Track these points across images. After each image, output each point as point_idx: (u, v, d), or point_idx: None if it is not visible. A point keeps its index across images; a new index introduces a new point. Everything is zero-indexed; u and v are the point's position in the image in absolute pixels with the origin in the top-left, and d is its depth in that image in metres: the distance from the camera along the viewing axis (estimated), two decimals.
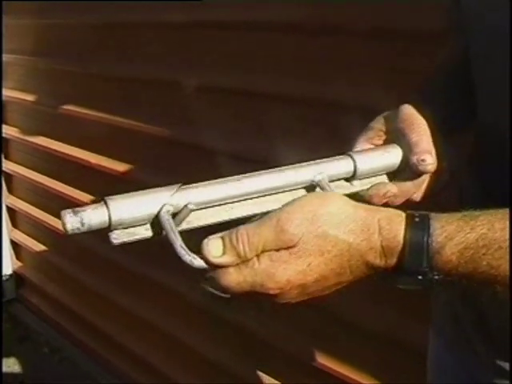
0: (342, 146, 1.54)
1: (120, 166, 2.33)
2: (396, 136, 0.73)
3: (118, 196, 0.60)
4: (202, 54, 1.95)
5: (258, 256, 0.60)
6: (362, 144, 0.76)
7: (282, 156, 1.63)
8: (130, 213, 0.59)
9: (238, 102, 1.85)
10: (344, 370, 1.68)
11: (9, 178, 3.21)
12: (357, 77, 1.50)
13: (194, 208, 0.62)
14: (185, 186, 0.63)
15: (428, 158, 0.69)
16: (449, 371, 0.92)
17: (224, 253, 0.60)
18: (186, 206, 0.62)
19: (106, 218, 0.58)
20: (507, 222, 0.58)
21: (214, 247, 0.60)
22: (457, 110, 0.85)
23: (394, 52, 1.41)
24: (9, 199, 3.24)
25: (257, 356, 1.98)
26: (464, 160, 0.85)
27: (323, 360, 1.74)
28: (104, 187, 2.43)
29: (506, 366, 0.79)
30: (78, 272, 2.74)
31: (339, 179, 0.71)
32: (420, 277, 0.60)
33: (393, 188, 0.71)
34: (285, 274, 0.60)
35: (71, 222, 0.58)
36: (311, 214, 0.61)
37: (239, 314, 1.98)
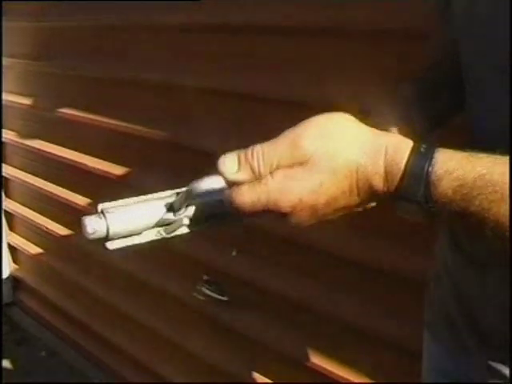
0: None
1: (117, 169, 2.34)
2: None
3: (116, 208, 0.60)
4: (200, 57, 1.95)
5: (271, 173, 0.61)
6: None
7: None
8: (127, 227, 0.60)
9: (236, 105, 1.85)
10: (338, 369, 1.68)
11: (6, 181, 3.21)
12: (357, 78, 1.50)
13: (187, 223, 0.63)
14: (180, 196, 0.63)
15: None
16: (444, 371, 0.92)
17: (239, 169, 0.61)
18: (179, 220, 0.62)
19: (104, 231, 0.59)
20: (507, 168, 0.58)
21: (230, 163, 0.62)
22: (442, 105, 0.86)
23: (394, 53, 1.42)
24: (6, 202, 3.24)
25: (252, 356, 1.99)
26: None
27: (318, 360, 1.74)
28: (101, 190, 2.43)
29: (501, 367, 0.79)
30: (76, 275, 2.74)
31: None
32: (416, 206, 0.60)
33: None
34: (298, 192, 0.60)
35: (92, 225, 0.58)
36: (325, 132, 0.62)
37: (236, 317, 1.98)
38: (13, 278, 3.33)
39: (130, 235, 0.61)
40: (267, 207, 0.61)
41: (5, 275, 3.29)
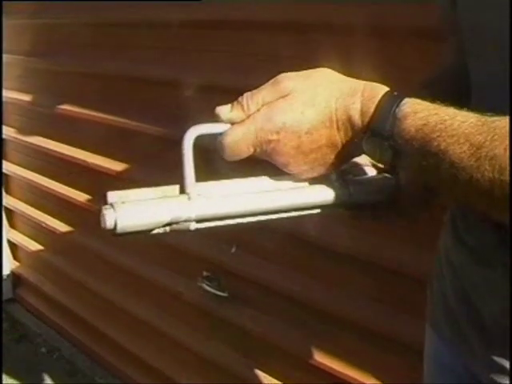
0: None
1: (117, 166, 2.34)
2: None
3: (126, 202, 0.60)
4: (199, 54, 1.95)
5: (258, 109, 0.69)
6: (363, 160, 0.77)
7: None
8: (136, 224, 0.59)
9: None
10: (342, 367, 1.68)
11: (6, 178, 3.21)
12: (358, 75, 1.50)
13: (197, 227, 0.63)
14: (195, 196, 0.62)
15: None
16: (446, 367, 0.92)
17: (231, 110, 0.70)
18: (188, 221, 0.62)
19: (112, 224, 0.58)
20: (470, 119, 0.61)
21: (224, 107, 0.71)
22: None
23: (394, 49, 1.42)
24: (6, 199, 3.24)
25: (254, 354, 1.99)
26: None
27: (321, 358, 1.75)
28: (101, 187, 2.43)
29: (503, 361, 0.79)
30: (76, 272, 2.74)
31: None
32: (382, 141, 0.66)
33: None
34: (281, 118, 0.67)
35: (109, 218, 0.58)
36: (307, 73, 0.71)
37: (236, 313, 1.98)
38: (13, 275, 3.33)
39: (138, 231, 0.61)
40: (256, 137, 0.68)
41: (5, 272, 3.30)
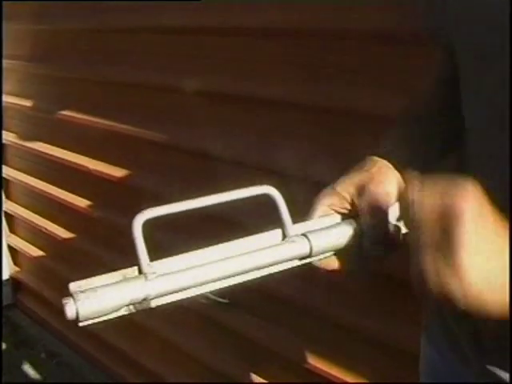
0: (340, 151, 1.55)
1: (118, 172, 2.34)
2: (357, 212, 0.73)
3: (85, 291, 0.62)
4: (199, 59, 1.95)
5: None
6: (322, 208, 0.76)
7: (280, 161, 1.64)
8: (97, 311, 0.62)
9: (236, 107, 1.86)
10: (341, 373, 1.68)
11: (6, 183, 3.22)
12: (355, 80, 1.51)
13: (158, 304, 0.66)
14: (152, 276, 0.64)
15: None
16: (440, 375, 0.92)
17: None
18: (147, 299, 0.65)
19: (74, 315, 0.61)
20: None
21: None
22: (440, 135, 0.86)
23: (393, 55, 1.42)
24: (6, 204, 3.25)
25: (255, 361, 1.99)
26: None
27: (320, 363, 1.74)
28: (102, 193, 2.44)
29: (497, 371, 0.79)
30: (76, 277, 2.72)
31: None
32: None
33: (339, 266, 0.75)
34: None
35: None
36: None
37: (236, 318, 1.98)
38: (13, 280, 3.33)
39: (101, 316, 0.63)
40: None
41: (5, 277, 3.30)
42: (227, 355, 2.07)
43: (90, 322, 0.62)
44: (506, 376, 0.77)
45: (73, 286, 0.62)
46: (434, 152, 0.85)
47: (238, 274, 0.70)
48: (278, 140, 1.69)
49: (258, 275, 0.71)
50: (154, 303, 0.65)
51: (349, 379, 1.65)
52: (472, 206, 0.57)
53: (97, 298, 0.61)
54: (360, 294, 1.62)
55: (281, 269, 0.71)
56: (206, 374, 2.16)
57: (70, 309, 0.60)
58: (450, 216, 0.57)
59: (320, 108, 1.62)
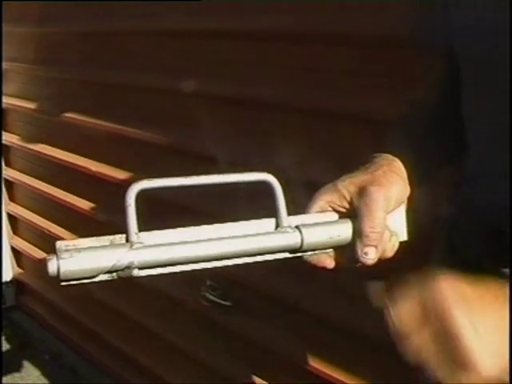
0: (338, 155, 1.55)
1: (121, 174, 2.34)
2: (355, 212, 0.73)
3: (70, 250, 0.62)
4: (202, 62, 1.96)
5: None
6: (320, 203, 0.75)
7: (278, 164, 1.64)
8: (78, 271, 0.62)
9: (237, 110, 1.86)
10: (342, 375, 1.68)
11: (9, 185, 3.22)
12: (355, 85, 1.51)
13: (141, 274, 0.65)
14: (137, 246, 0.64)
15: (370, 253, 0.72)
16: None
17: None
18: (130, 268, 0.64)
19: (55, 271, 0.61)
20: None
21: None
22: (443, 142, 0.86)
23: (394, 60, 1.42)
24: (9, 206, 3.25)
25: (257, 363, 1.99)
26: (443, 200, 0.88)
27: (318, 364, 1.74)
28: (104, 195, 2.44)
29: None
30: None
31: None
32: None
33: (331, 264, 0.75)
34: None
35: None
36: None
37: (239, 322, 1.98)
38: (16, 282, 3.34)
39: (82, 278, 0.64)
40: None
41: (8, 278, 3.30)
42: (229, 357, 2.07)
43: (73, 282, 0.63)
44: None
45: (59, 244, 0.62)
46: (437, 155, 0.85)
47: (225, 257, 0.68)
48: (277, 142, 1.69)
49: (245, 261, 0.69)
50: (136, 272, 0.64)
51: (349, 381, 1.65)
52: (451, 293, 0.58)
53: (79, 259, 0.61)
54: (361, 295, 1.62)
55: (270, 258, 0.70)
56: (206, 375, 2.16)
57: (52, 266, 0.61)
58: (434, 308, 0.58)
59: (319, 111, 1.62)
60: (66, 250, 0.62)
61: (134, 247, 0.63)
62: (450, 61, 0.82)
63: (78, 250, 0.62)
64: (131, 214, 0.63)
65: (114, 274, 0.64)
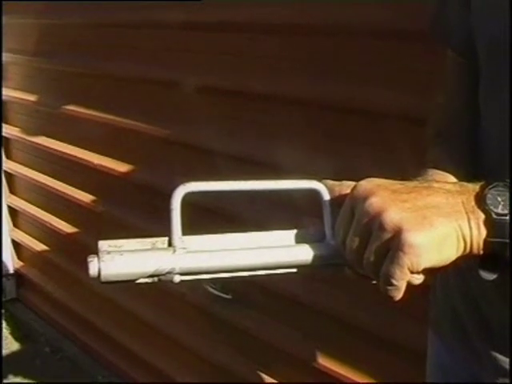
0: (339, 148, 1.54)
1: (122, 167, 2.34)
2: None
3: (112, 252, 0.61)
4: (202, 55, 1.95)
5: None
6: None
7: (279, 157, 1.64)
8: (119, 274, 0.61)
9: (237, 103, 1.85)
10: (343, 370, 1.68)
11: (10, 177, 3.22)
12: (356, 77, 1.50)
13: (182, 279, 0.65)
14: (182, 251, 0.63)
15: None
16: (449, 371, 0.92)
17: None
18: (172, 273, 0.63)
19: (96, 273, 0.61)
20: None
21: None
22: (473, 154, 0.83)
23: (396, 52, 1.41)
24: (10, 199, 3.25)
25: (258, 357, 1.99)
26: None
27: (323, 360, 1.74)
28: (105, 187, 2.44)
29: (507, 364, 0.79)
30: (79, 272, 2.74)
31: None
32: None
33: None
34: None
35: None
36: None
37: (239, 315, 1.98)
38: (17, 275, 3.34)
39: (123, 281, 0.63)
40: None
41: (9, 271, 3.30)
42: (229, 350, 2.07)
43: (112, 282, 0.62)
44: None
45: (101, 244, 0.62)
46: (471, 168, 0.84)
47: (268, 268, 0.67)
48: (279, 136, 1.69)
49: (289, 271, 0.68)
50: (177, 278, 0.64)
51: (357, 378, 1.65)
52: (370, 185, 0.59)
53: (121, 263, 0.61)
54: (368, 293, 1.62)
55: (316, 270, 0.68)
56: (212, 372, 2.16)
57: (93, 267, 0.60)
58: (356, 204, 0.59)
59: (322, 105, 1.62)
60: (108, 252, 0.61)
61: (177, 253, 0.63)
62: (471, 58, 0.81)
63: (121, 252, 0.62)
64: (176, 218, 0.62)
65: (156, 278, 0.64)
